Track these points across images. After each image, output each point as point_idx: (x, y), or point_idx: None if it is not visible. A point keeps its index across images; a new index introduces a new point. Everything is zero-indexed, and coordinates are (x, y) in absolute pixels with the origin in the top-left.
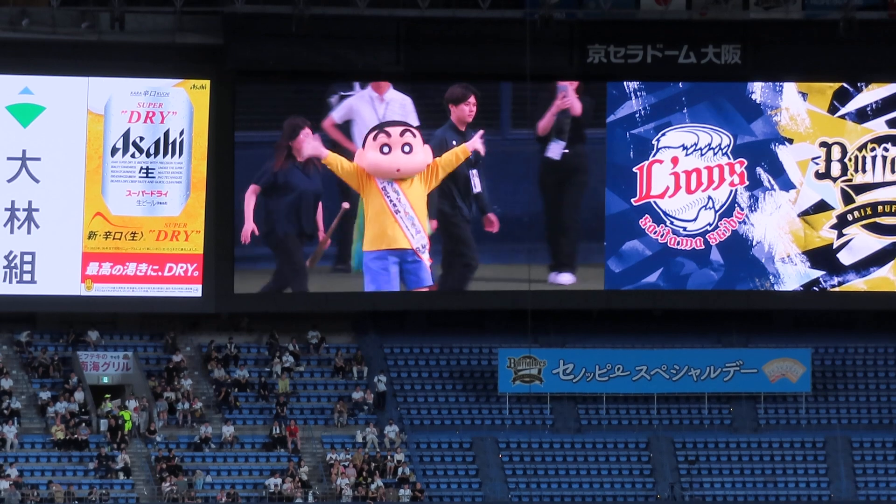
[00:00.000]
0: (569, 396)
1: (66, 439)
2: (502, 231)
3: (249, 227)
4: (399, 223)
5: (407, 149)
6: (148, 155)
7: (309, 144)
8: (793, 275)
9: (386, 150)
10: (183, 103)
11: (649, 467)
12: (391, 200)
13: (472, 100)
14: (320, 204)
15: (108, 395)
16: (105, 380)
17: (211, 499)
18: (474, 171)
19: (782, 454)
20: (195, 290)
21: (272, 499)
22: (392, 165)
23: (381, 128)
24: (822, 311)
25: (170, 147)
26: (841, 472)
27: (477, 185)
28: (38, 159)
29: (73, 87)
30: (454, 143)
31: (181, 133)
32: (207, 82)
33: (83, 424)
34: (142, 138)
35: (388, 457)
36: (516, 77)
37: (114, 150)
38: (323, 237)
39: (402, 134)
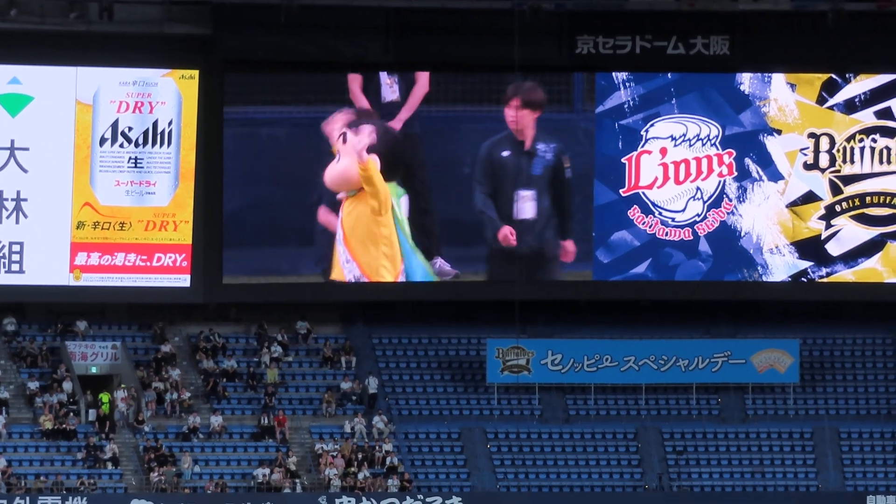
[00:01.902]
0: (557, 387)
1: (54, 429)
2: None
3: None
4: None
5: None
6: (136, 145)
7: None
8: (781, 265)
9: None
10: (171, 93)
11: (637, 458)
12: None
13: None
14: None
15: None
16: (93, 370)
17: (199, 489)
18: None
19: (770, 445)
20: (184, 281)
21: (260, 489)
22: None
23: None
24: (811, 302)
25: (158, 137)
26: (829, 462)
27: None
28: (27, 149)
29: (62, 77)
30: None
31: (170, 123)
32: (196, 72)
33: (71, 414)
34: (130, 128)
35: (377, 447)
36: (504, 68)
37: (102, 140)
38: None
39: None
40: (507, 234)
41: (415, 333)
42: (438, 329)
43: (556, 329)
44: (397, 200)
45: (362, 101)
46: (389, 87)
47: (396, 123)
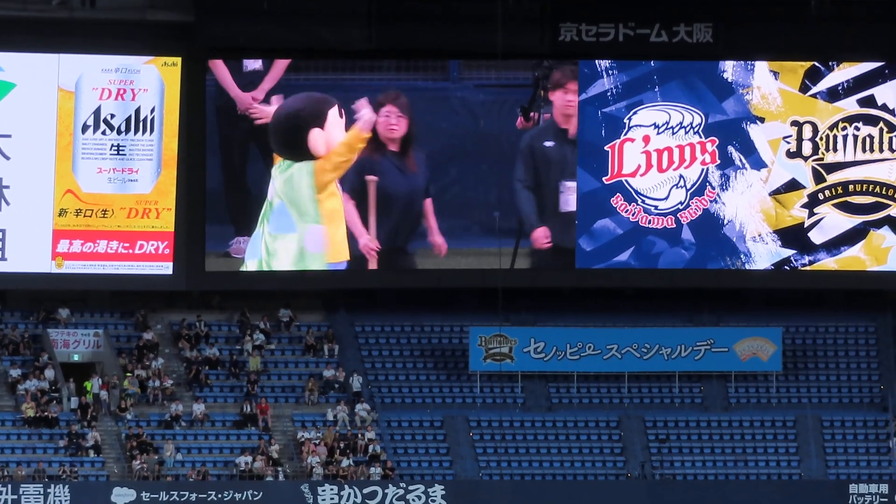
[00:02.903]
0: (540, 375)
1: (36, 417)
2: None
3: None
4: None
5: None
6: (119, 132)
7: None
8: (764, 254)
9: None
10: (154, 80)
11: (620, 446)
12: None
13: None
14: None
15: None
16: (75, 357)
17: (181, 476)
18: None
19: (753, 433)
20: (166, 268)
21: (242, 477)
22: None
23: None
24: (793, 291)
25: (141, 124)
26: (811, 450)
27: None
28: (9, 136)
29: (44, 65)
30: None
31: (152, 110)
32: (178, 59)
33: (53, 402)
34: (113, 115)
35: (359, 435)
36: (487, 55)
37: (84, 128)
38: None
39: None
40: (540, 236)
41: (397, 321)
42: (421, 317)
43: (539, 317)
44: None
45: None
46: None
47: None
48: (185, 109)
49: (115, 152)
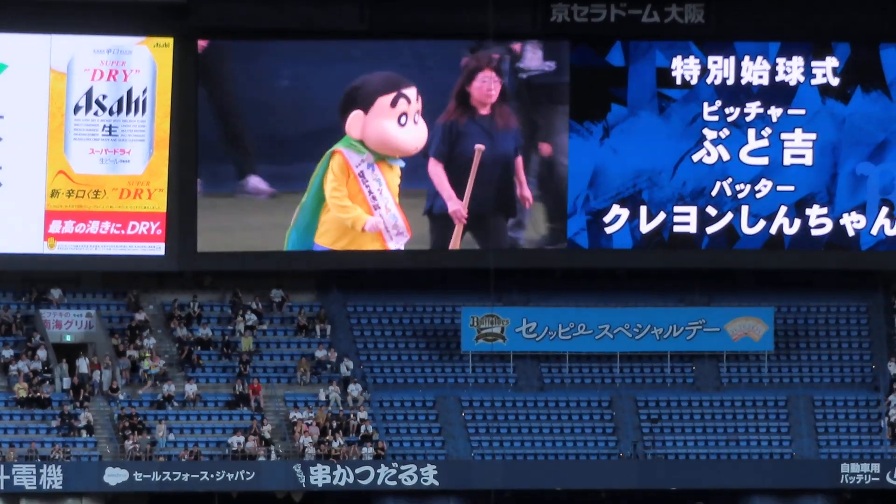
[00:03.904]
0: (532, 355)
1: (28, 397)
2: None
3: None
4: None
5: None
6: (111, 113)
7: None
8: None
9: (403, 120)
10: (146, 61)
11: (612, 426)
12: (369, 189)
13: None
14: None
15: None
16: (68, 338)
17: (173, 457)
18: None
19: (744, 413)
20: (158, 249)
21: (235, 457)
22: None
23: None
24: (785, 270)
25: (133, 105)
26: (803, 430)
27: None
28: (1, 117)
29: (36, 45)
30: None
31: (144, 91)
32: (170, 40)
33: (46, 382)
34: (105, 96)
35: (351, 415)
36: (479, 35)
37: (76, 109)
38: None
39: (418, 100)
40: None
41: (390, 301)
42: (413, 297)
43: (531, 297)
44: None
45: None
46: None
47: None
48: (177, 90)
49: (107, 133)
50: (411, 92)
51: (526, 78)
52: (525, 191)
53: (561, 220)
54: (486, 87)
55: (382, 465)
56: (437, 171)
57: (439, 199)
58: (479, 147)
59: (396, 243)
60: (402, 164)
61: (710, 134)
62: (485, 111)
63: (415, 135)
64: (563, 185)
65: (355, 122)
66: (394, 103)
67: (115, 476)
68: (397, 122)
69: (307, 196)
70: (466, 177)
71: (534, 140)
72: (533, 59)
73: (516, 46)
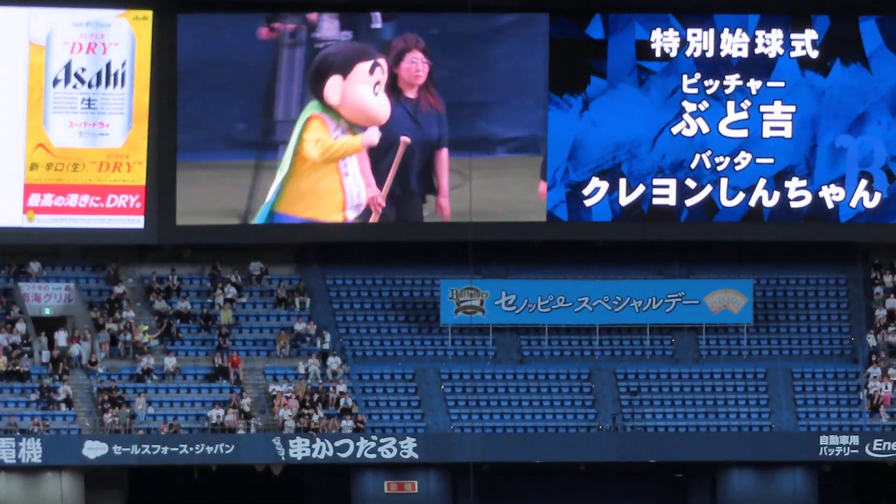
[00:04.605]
0: (511, 328)
1: (7, 371)
2: None
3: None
4: (344, 190)
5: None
6: (90, 86)
7: None
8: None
9: (377, 90)
10: (125, 34)
11: (591, 398)
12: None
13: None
14: None
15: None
16: (47, 311)
17: (153, 430)
18: None
19: (724, 385)
20: (137, 222)
21: (214, 430)
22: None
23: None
24: (764, 243)
25: (112, 78)
26: (782, 402)
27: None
28: None
29: (15, 18)
30: None
31: (123, 64)
32: (150, 13)
33: (25, 356)
34: (84, 69)
35: (331, 388)
36: (458, 8)
37: (55, 82)
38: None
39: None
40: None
41: (369, 274)
42: (393, 270)
43: (511, 270)
44: None
45: None
46: None
47: None
48: (157, 63)
49: (87, 106)
50: (382, 62)
51: (322, 48)
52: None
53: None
54: (415, 68)
55: (362, 439)
56: (361, 155)
57: None
58: (405, 140)
59: (356, 212)
60: (368, 135)
61: (689, 106)
62: (412, 94)
63: (385, 105)
64: None
65: (334, 87)
66: (371, 70)
67: (94, 449)
68: (373, 91)
69: (283, 167)
70: (389, 163)
71: None
72: (329, 29)
73: (312, 17)
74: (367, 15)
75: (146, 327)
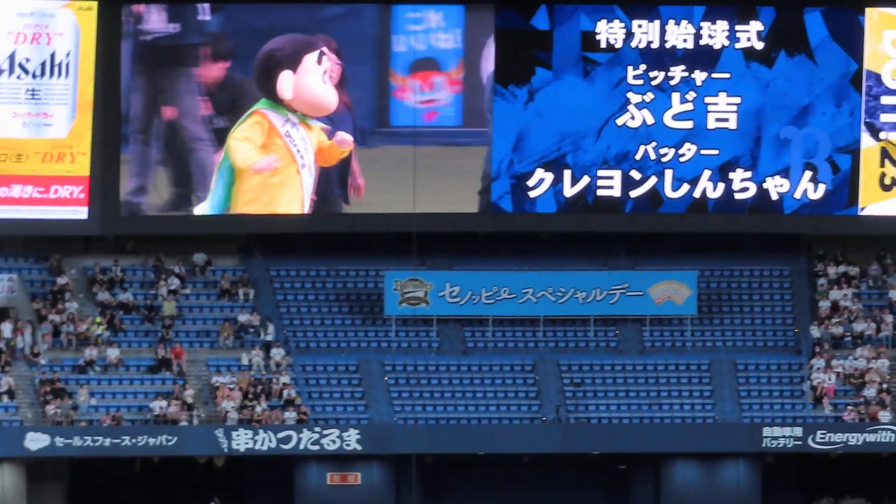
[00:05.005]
0: (455, 319)
1: None
2: None
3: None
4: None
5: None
6: (34, 76)
7: None
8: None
9: (325, 79)
10: (70, 24)
11: (535, 390)
12: (297, 148)
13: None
14: None
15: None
16: None
17: (95, 421)
18: None
19: (667, 376)
20: (81, 213)
21: (157, 422)
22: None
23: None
24: (708, 234)
25: (56, 69)
26: (725, 393)
27: None
28: None
29: None
30: None
31: (68, 55)
32: (94, 4)
33: None
34: (28, 59)
35: (274, 379)
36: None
37: None
38: None
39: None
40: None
41: (313, 265)
42: (336, 261)
43: (455, 261)
44: None
45: None
46: None
47: None
48: (101, 53)
49: (30, 97)
50: (327, 50)
51: (150, 40)
52: (358, 179)
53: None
54: (332, 68)
55: (305, 430)
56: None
57: None
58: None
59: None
60: (321, 124)
61: (634, 98)
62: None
63: (333, 93)
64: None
65: (286, 82)
66: (319, 60)
67: (36, 441)
68: (321, 80)
69: (224, 159)
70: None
71: (157, 103)
72: (157, 21)
73: (139, 8)
74: (193, 6)
75: (99, 319)
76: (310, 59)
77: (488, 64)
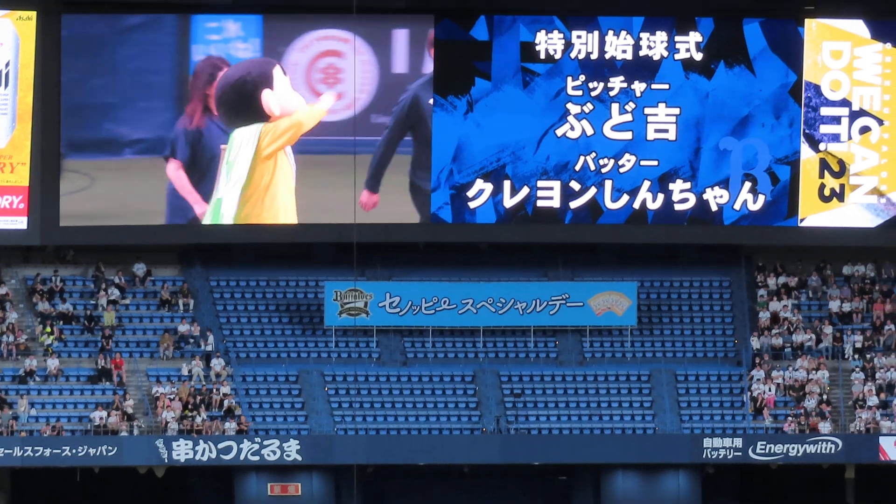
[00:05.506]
0: (395, 329)
1: None
2: None
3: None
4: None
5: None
6: None
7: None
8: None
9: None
10: (9, 35)
11: (475, 400)
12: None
13: None
14: None
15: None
16: None
17: (35, 432)
18: None
19: (607, 387)
20: (20, 223)
21: (97, 432)
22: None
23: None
24: (648, 245)
25: None
26: (665, 404)
27: None
28: None
29: None
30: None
31: (7, 65)
32: (34, 13)
33: None
34: None
35: (214, 390)
36: (342, 9)
37: None
38: None
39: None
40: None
41: (252, 275)
42: (276, 271)
43: (394, 272)
44: None
45: None
46: None
47: None
48: (40, 63)
49: None
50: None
51: None
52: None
53: None
54: None
55: (245, 440)
56: (178, 175)
57: None
58: (226, 147)
59: None
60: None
61: (573, 108)
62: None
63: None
64: None
65: (270, 100)
66: (285, 72)
67: None
68: (292, 88)
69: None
70: (213, 177)
71: None
72: None
73: None
74: None
75: (49, 329)
76: (277, 72)
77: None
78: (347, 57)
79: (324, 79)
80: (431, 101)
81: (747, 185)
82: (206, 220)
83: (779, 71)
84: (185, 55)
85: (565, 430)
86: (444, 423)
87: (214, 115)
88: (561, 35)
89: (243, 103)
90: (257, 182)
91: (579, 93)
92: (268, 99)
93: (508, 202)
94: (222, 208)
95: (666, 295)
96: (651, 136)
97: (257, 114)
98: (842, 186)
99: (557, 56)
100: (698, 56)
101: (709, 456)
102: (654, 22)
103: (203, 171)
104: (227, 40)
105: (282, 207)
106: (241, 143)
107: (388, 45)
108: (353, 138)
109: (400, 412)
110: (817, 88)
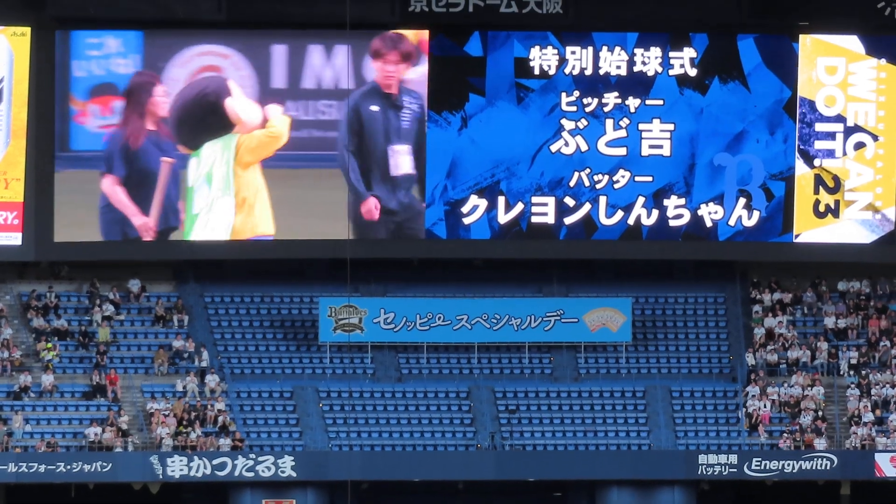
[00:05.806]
0: (389, 345)
1: None
2: None
3: (144, 219)
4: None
5: None
6: None
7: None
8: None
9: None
10: (3, 50)
11: (470, 416)
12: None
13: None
14: None
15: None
16: None
17: (30, 448)
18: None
19: (602, 403)
20: (15, 239)
21: (92, 448)
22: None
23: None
24: (643, 261)
25: None
26: (660, 421)
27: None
28: None
29: None
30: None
31: (1, 80)
32: (28, 29)
33: None
34: None
35: (209, 406)
36: (337, 26)
37: None
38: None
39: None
40: (371, 207)
41: (247, 292)
42: (271, 287)
43: (389, 287)
44: None
45: None
46: None
47: None
48: (35, 80)
49: None
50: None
51: None
52: None
53: None
54: (162, 101)
55: (240, 457)
56: (114, 190)
57: None
58: (168, 160)
59: None
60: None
61: (568, 124)
62: (153, 125)
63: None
64: None
65: (234, 107)
66: (238, 82)
67: None
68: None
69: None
70: (150, 191)
71: None
72: None
73: None
74: None
75: (50, 344)
76: (232, 84)
77: None
78: (226, 72)
79: None
80: (375, 107)
81: (742, 200)
82: (189, 237)
83: (773, 87)
84: (66, 71)
85: (560, 447)
86: (438, 440)
87: (159, 132)
88: (555, 51)
89: (207, 117)
90: (244, 192)
91: (573, 108)
92: (231, 106)
93: (503, 218)
94: (209, 223)
95: (661, 311)
96: (645, 151)
97: (223, 125)
98: (837, 202)
99: (552, 72)
100: (693, 72)
101: (704, 472)
102: (648, 38)
103: (140, 187)
104: (108, 56)
105: (273, 217)
106: (213, 157)
107: (266, 59)
108: (346, 150)
109: (395, 428)
110: (812, 104)
